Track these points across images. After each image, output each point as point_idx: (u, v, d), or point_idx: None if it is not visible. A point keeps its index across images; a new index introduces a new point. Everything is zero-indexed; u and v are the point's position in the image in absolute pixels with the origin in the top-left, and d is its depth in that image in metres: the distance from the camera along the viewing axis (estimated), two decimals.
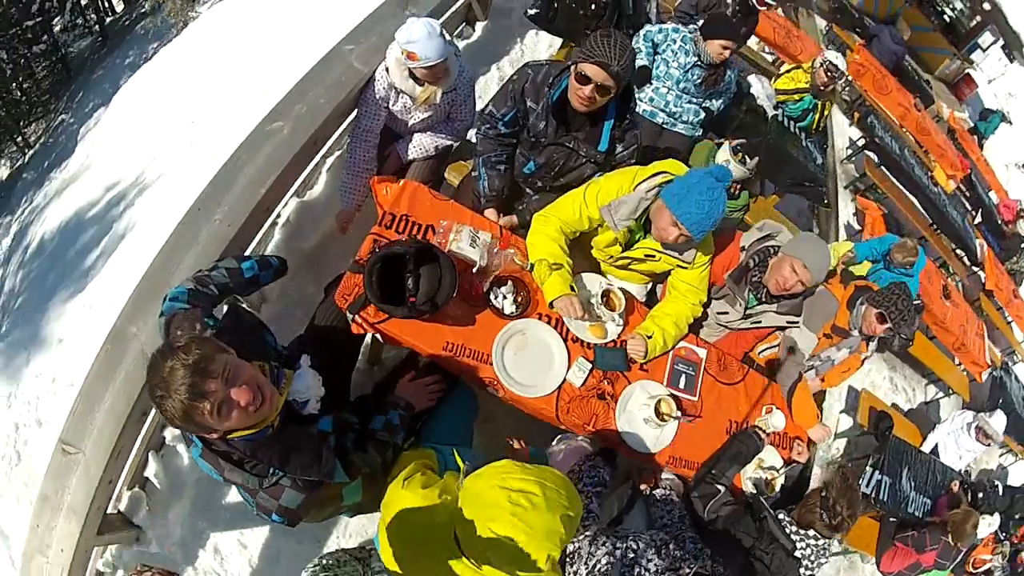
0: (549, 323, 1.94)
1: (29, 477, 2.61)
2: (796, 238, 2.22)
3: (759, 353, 2.45)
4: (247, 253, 2.17)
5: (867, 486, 3.25)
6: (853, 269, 3.64)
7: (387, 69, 2.24)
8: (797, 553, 1.82)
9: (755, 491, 2.15)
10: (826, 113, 4.04)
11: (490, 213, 2.16)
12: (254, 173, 2.01)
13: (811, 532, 1.83)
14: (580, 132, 2.01)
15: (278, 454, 1.27)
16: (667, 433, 2.01)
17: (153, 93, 4.70)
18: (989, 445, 3.96)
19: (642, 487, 2.09)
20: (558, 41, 3.36)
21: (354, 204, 2.42)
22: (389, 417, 1.64)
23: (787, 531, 1.82)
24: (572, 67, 1.85)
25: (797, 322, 2.28)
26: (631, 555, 1.59)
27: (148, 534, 2.13)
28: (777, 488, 2.21)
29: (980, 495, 3.93)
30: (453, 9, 3.25)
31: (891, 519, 3.50)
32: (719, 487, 1.95)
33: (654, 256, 2.01)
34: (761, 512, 1.86)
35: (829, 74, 3.59)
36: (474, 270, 1.90)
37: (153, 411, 1.93)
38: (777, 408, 2.28)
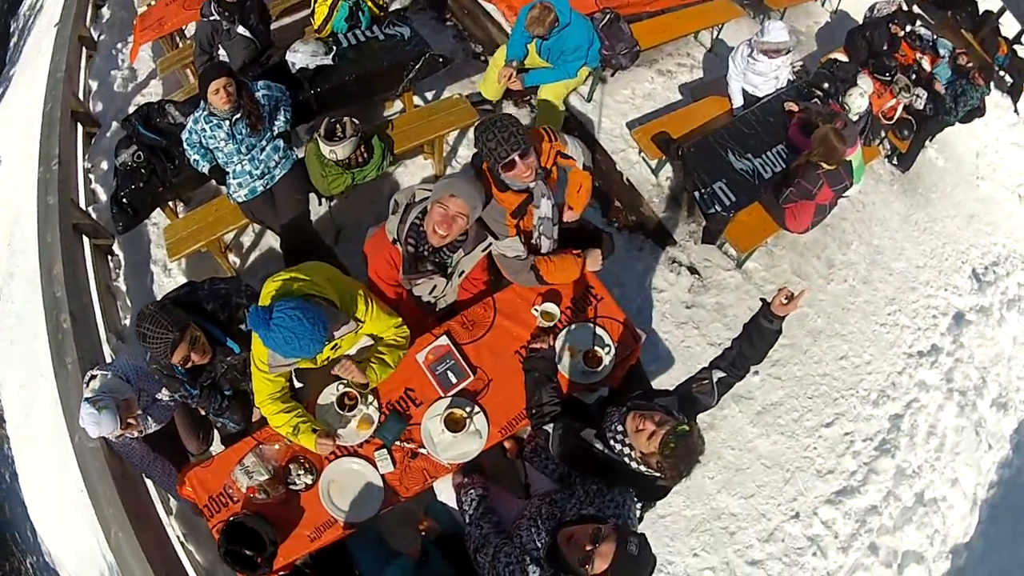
0: (337, 457, 2.33)
1: None
2: (439, 183, 2.30)
3: None
4: None
5: (708, 207, 3.51)
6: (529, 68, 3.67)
7: None
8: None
9: (583, 373, 2.44)
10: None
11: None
12: None
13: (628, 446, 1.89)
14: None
15: None
16: (482, 423, 2.37)
17: None
18: (788, 52, 3.97)
19: (513, 455, 2.52)
20: None
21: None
22: None
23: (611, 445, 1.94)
24: None
25: (488, 241, 2.48)
26: (519, 547, 1.80)
27: None
28: (606, 361, 2.43)
29: (825, 85, 4.03)
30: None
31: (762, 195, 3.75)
32: (544, 425, 2.15)
33: (339, 345, 2.25)
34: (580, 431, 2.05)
35: None
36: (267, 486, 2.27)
37: None
38: (542, 298, 2.55)
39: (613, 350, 2.51)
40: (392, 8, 4.44)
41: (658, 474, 1.82)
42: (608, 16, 4.03)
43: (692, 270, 4.03)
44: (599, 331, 2.54)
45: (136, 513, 2.41)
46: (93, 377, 2.40)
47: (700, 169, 3.59)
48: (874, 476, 3.51)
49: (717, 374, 2.14)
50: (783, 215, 3.74)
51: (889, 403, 3.78)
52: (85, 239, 3.36)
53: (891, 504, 3.44)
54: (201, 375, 2.34)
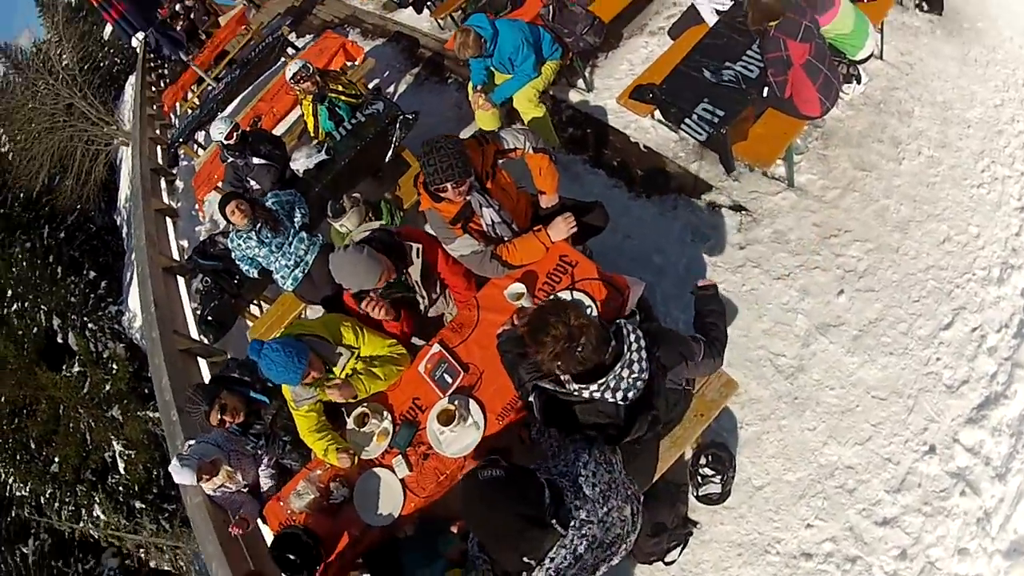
0: (365, 470, 2.66)
1: None
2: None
3: None
4: None
5: (699, 134, 3.31)
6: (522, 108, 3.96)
7: None
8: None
9: None
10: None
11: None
12: None
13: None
14: None
15: None
16: (478, 413, 2.55)
17: None
18: None
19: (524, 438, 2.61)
20: None
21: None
22: None
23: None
24: None
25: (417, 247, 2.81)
26: None
27: None
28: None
29: None
30: None
31: (759, 99, 3.45)
32: (528, 398, 2.18)
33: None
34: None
35: None
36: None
37: None
38: (512, 283, 2.66)
39: (595, 310, 2.53)
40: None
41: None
42: (551, 6, 4.21)
43: (737, 208, 3.80)
44: (575, 295, 2.59)
45: (236, 551, 2.95)
46: (189, 444, 3.07)
47: (677, 101, 3.46)
48: (1020, 372, 2.78)
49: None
50: (793, 105, 3.39)
51: (1015, 274, 3.02)
52: (200, 360, 4.40)
53: None
54: (251, 428, 2.93)
